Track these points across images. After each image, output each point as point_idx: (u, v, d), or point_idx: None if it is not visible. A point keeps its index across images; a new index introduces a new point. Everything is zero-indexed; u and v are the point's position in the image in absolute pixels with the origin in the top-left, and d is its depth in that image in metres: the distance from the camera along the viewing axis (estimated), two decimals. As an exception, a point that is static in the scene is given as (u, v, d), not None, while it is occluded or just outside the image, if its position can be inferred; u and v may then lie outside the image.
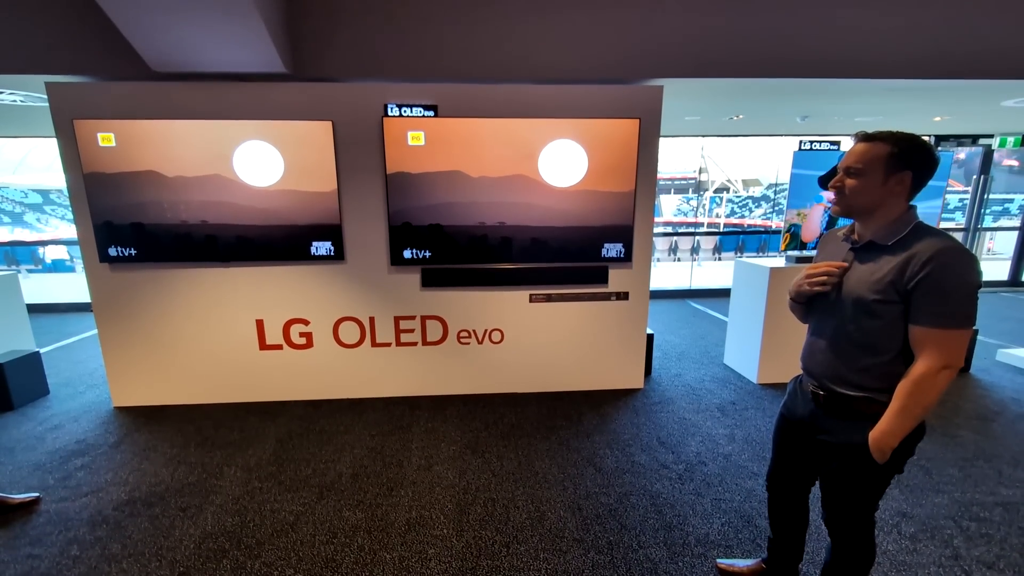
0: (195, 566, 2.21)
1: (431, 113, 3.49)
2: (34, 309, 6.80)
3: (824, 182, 1.61)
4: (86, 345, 5.36)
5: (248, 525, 2.48)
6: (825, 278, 1.55)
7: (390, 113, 3.47)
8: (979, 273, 1.33)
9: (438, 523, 2.49)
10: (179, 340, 3.77)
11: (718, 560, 2.18)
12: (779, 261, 4.31)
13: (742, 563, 2.13)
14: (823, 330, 1.59)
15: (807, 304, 1.67)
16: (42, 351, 4.97)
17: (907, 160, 1.39)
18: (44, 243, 11.72)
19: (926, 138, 1.42)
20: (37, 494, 2.70)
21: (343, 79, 3.47)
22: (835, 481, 1.60)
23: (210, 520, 2.52)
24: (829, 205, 4.02)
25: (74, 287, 8.29)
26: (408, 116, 3.46)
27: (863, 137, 1.45)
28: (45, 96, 3.30)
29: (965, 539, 2.35)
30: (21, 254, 11.43)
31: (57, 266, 11.59)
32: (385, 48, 3.39)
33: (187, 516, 2.55)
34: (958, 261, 1.32)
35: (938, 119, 6.47)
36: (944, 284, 1.32)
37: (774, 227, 4.21)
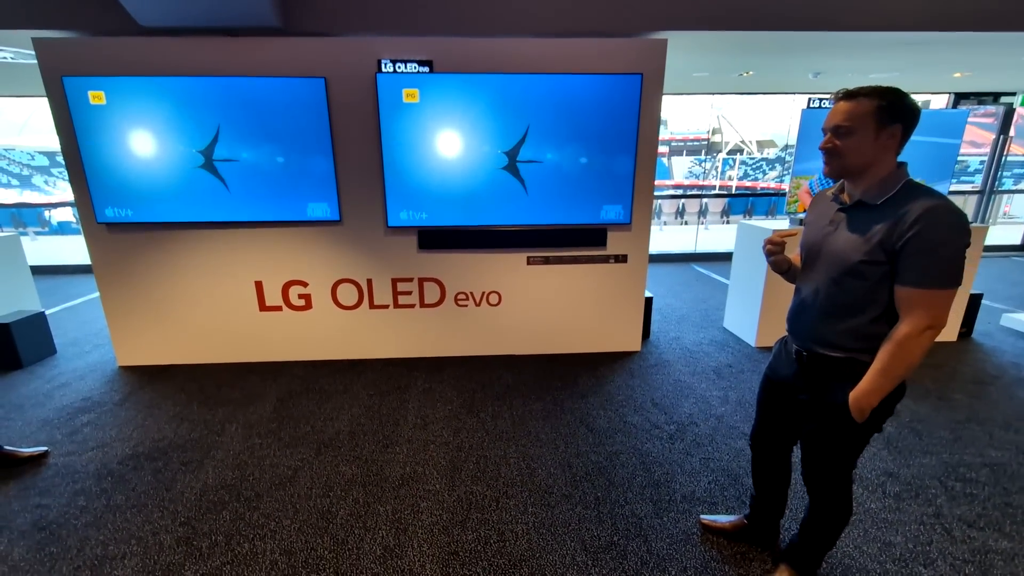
0: (196, 516, 2.29)
1: (426, 69, 3.39)
2: (42, 271, 6.89)
3: None
4: (92, 306, 5.44)
5: (248, 479, 2.56)
6: (771, 247, 1.60)
7: (384, 69, 3.37)
8: (968, 232, 1.30)
9: (431, 478, 2.55)
10: (180, 301, 3.80)
11: (701, 516, 2.23)
12: (783, 223, 4.23)
13: (724, 519, 2.17)
14: (808, 291, 1.57)
15: (788, 271, 1.69)
16: (49, 312, 5.06)
17: (896, 112, 1.35)
18: (49, 206, 11.77)
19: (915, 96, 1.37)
20: (45, 448, 2.78)
21: (335, 33, 3.37)
22: (814, 440, 1.62)
23: (211, 474, 2.60)
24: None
25: (80, 249, 8.36)
26: (402, 72, 3.37)
27: (845, 95, 1.40)
28: (34, 52, 3.23)
29: (949, 498, 2.37)
30: (28, 216, 11.49)
31: (63, 228, 11.66)
32: (378, 0, 3.28)
33: (189, 470, 2.63)
34: (947, 220, 1.29)
35: (958, 75, 6.21)
36: (932, 244, 1.29)
37: (785, 190, 4.12)
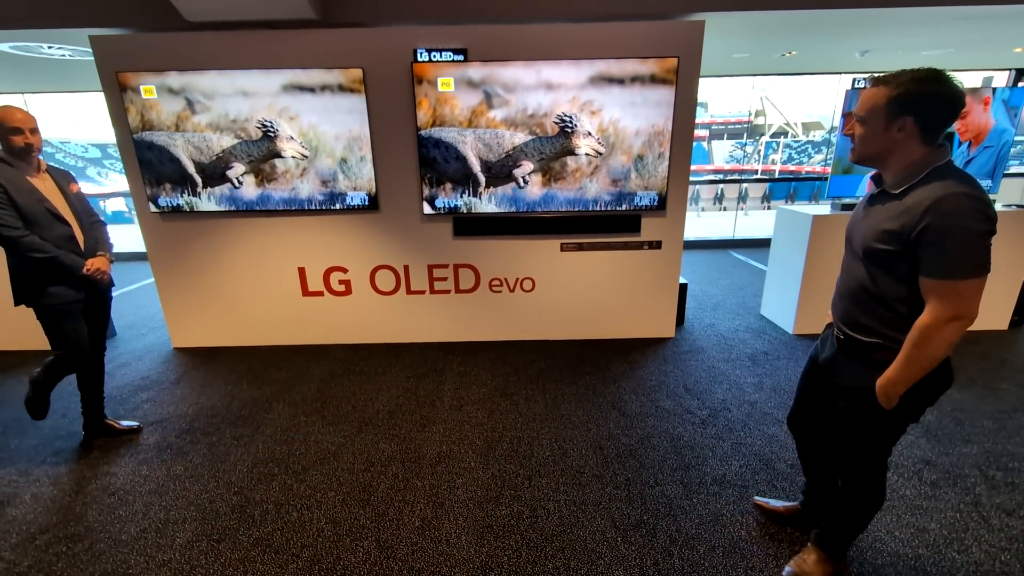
0: (248, 486, 2.45)
1: (460, 57, 3.43)
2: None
3: None
4: (147, 291, 5.76)
5: (295, 453, 2.71)
6: None
7: (419, 59, 3.43)
8: (988, 219, 1.25)
9: (466, 456, 2.64)
10: (229, 286, 4.00)
11: (755, 497, 2.25)
12: (824, 208, 4.12)
13: (778, 503, 2.18)
14: (843, 276, 1.60)
15: None
16: (109, 295, 5.38)
17: (906, 105, 1.31)
18: (103, 196, 12.39)
19: (952, 74, 1.30)
20: (138, 423, 2.99)
21: (372, 24, 3.44)
22: (844, 422, 1.62)
23: (261, 448, 2.76)
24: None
25: (133, 237, 8.80)
26: (437, 61, 3.42)
27: (872, 81, 1.39)
28: (90, 50, 3.42)
29: (989, 487, 2.32)
30: (85, 206, 12.13)
31: (117, 217, 12.27)
32: (413, -11, 3.33)
33: (240, 444, 2.80)
34: (959, 208, 1.25)
35: (1019, 50, 5.85)
36: (944, 233, 1.26)
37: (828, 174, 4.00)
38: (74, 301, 2.49)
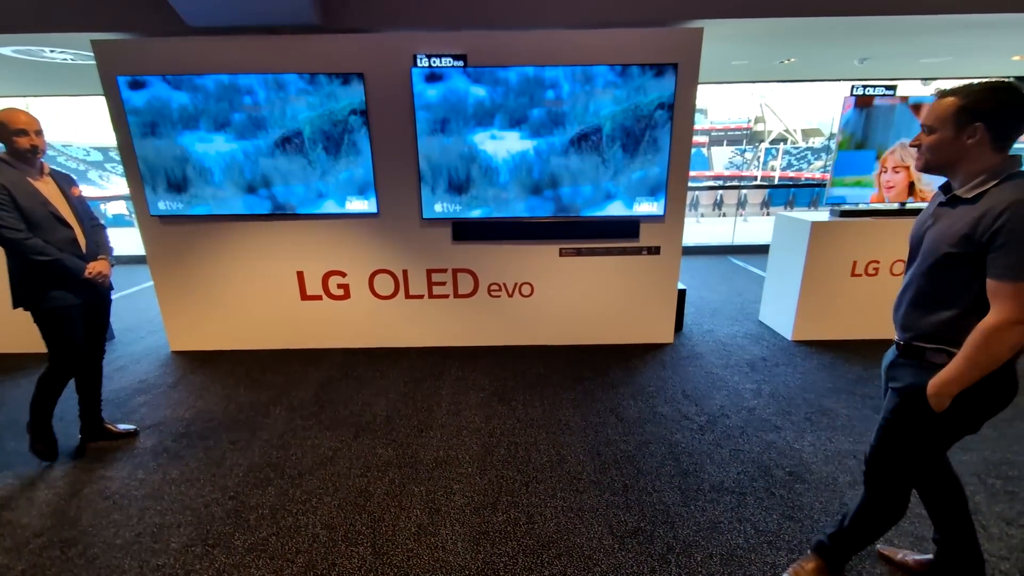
0: (244, 491, 2.44)
1: (460, 63, 3.45)
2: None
3: None
4: (146, 294, 5.76)
5: (291, 458, 2.70)
6: None
7: (419, 64, 3.45)
8: None
9: (464, 462, 2.63)
10: (227, 290, 4.00)
11: (879, 547, 2.04)
12: (823, 214, 4.12)
13: (910, 554, 1.98)
14: (905, 283, 1.59)
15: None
16: (107, 299, 5.37)
17: (976, 112, 1.34)
18: (104, 199, 12.42)
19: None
20: (135, 427, 2.98)
21: (372, 29, 3.46)
22: (886, 421, 1.60)
23: (257, 452, 2.75)
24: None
25: (133, 240, 8.81)
26: (437, 67, 3.43)
27: (939, 93, 1.42)
28: (92, 54, 3.43)
29: (988, 495, 2.31)
30: (86, 209, 12.17)
31: (118, 221, 12.29)
32: (413, -5, 3.35)
33: (237, 448, 2.79)
34: None
35: (1017, 58, 5.87)
36: (1016, 235, 1.27)
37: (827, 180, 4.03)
38: (74, 305, 2.49)
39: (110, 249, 2.68)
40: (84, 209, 2.59)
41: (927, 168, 1.48)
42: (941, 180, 1.53)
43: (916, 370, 1.51)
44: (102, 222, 2.72)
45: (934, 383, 1.42)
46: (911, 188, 3.87)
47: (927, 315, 1.48)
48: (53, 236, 2.39)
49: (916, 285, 1.52)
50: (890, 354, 1.66)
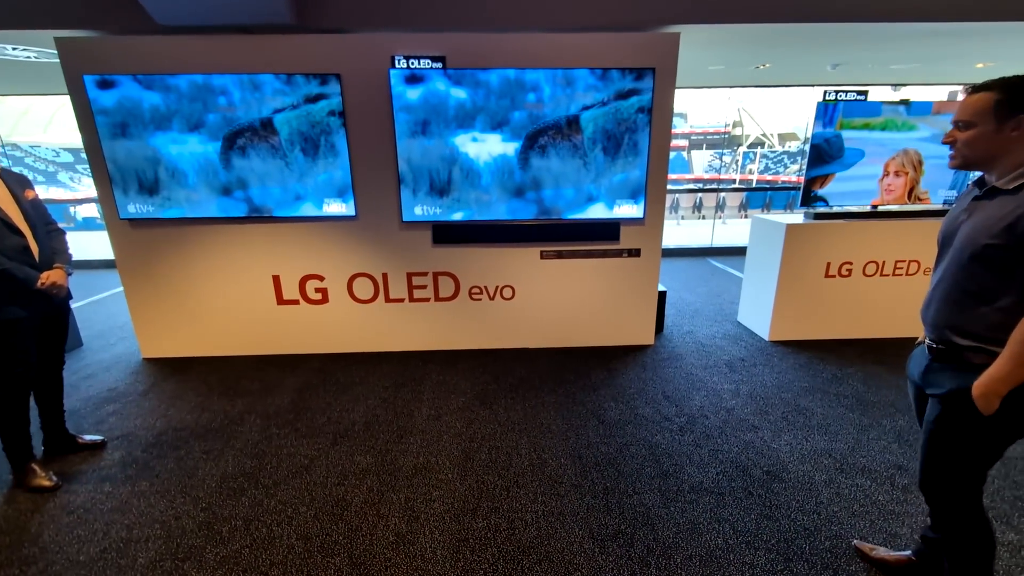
0: (216, 502, 2.37)
1: (439, 65, 3.42)
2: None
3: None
4: (117, 300, 5.60)
5: (266, 467, 2.63)
6: None
7: (397, 65, 3.41)
8: None
9: (444, 468, 2.60)
10: (201, 295, 3.90)
11: (855, 541, 2.07)
12: (797, 217, 4.19)
13: (886, 551, 1.97)
14: (938, 280, 1.54)
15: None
16: (75, 305, 5.22)
17: (1018, 103, 1.33)
18: (74, 202, 12.08)
19: None
20: (102, 438, 2.88)
21: (349, 29, 3.42)
22: (932, 431, 1.52)
23: (231, 462, 2.68)
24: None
25: (105, 244, 8.57)
26: (415, 68, 3.40)
27: (971, 88, 1.41)
28: (56, 52, 3.32)
29: None
30: (54, 212, 11.81)
31: (88, 224, 11.95)
32: (390, -3, 3.32)
33: (210, 458, 2.72)
34: None
35: (981, 65, 6.06)
36: None
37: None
38: (24, 318, 2.32)
39: (69, 256, 2.55)
40: (38, 213, 2.46)
41: (964, 164, 1.45)
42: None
43: (955, 373, 1.45)
44: (60, 226, 2.60)
45: (980, 384, 1.36)
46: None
47: (964, 311, 1.43)
48: (2, 244, 2.22)
49: (951, 280, 1.47)
50: (920, 358, 1.61)
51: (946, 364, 1.50)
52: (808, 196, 3.97)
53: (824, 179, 3.90)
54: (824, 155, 3.83)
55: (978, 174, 1.51)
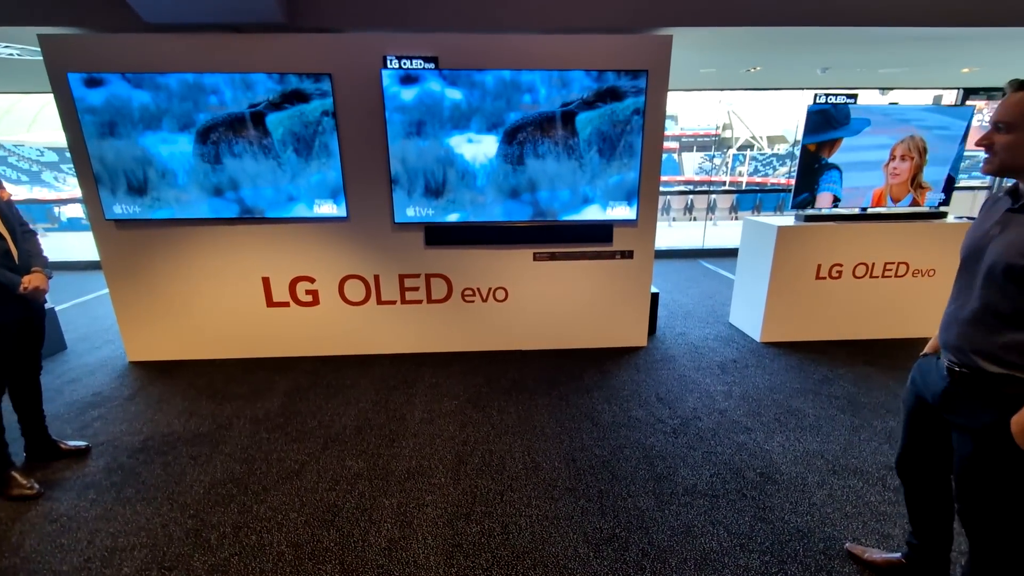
0: (204, 509, 2.32)
1: (431, 65, 3.40)
2: (51, 267, 6.96)
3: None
4: (103, 302, 5.50)
5: (255, 472, 2.59)
6: None
7: (389, 65, 3.38)
8: None
9: (436, 472, 2.57)
10: (188, 297, 3.84)
11: (848, 544, 2.06)
12: (788, 219, 4.21)
13: (878, 553, 1.96)
14: (964, 299, 1.40)
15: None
16: (59, 308, 5.13)
17: None
18: (59, 202, 11.89)
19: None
20: (87, 444, 2.81)
21: (340, 29, 3.39)
22: (970, 471, 1.39)
23: (219, 467, 2.63)
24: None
25: (90, 245, 8.44)
26: (408, 68, 3.37)
27: (1016, 86, 1.25)
28: (39, 49, 3.26)
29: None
30: (37, 212, 11.63)
31: (73, 224, 11.77)
32: (382, -4, 3.29)
33: (198, 464, 2.67)
34: None
35: (966, 70, 6.15)
36: None
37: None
38: (8, 324, 2.29)
39: (45, 259, 2.50)
40: (13, 215, 2.40)
41: (1002, 170, 1.31)
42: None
43: (987, 404, 1.33)
44: (33, 228, 2.55)
45: (1019, 421, 1.23)
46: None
47: (994, 335, 1.30)
48: None
49: (980, 302, 1.33)
50: (934, 375, 1.52)
51: (973, 392, 1.37)
52: (800, 192, 3.98)
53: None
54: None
55: (1011, 181, 1.38)
